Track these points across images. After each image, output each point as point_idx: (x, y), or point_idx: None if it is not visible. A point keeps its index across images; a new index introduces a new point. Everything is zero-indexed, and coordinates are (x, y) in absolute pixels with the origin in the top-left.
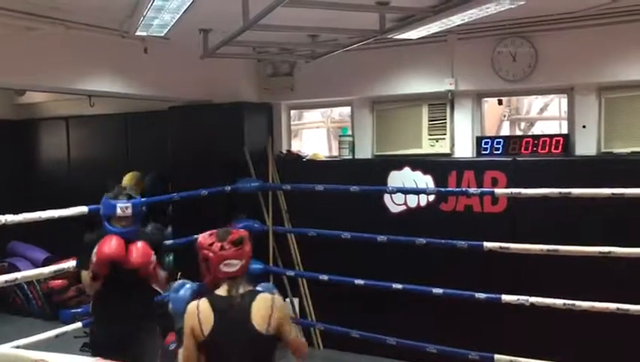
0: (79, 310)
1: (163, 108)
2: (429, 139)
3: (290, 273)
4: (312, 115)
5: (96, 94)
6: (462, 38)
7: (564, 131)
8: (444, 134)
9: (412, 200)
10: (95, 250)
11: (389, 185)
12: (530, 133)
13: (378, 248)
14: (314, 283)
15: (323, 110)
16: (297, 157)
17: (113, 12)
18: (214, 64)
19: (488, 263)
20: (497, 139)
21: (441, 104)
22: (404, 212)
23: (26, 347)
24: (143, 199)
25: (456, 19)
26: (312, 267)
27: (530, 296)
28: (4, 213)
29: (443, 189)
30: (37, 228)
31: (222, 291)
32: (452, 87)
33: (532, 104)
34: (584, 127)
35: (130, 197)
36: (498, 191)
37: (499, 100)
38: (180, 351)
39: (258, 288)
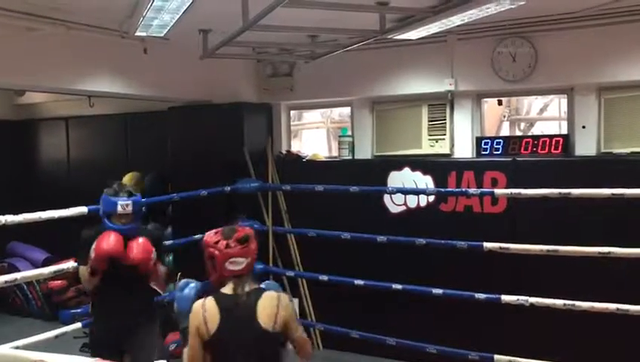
0: (79, 310)
1: (163, 109)
2: (429, 140)
3: (290, 273)
4: (311, 116)
5: (96, 94)
6: (462, 39)
7: (564, 131)
8: (444, 134)
9: (412, 201)
10: (94, 246)
11: (388, 185)
12: (529, 134)
13: (378, 248)
14: (314, 284)
15: (323, 110)
16: (297, 158)
17: (113, 13)
18: (214, 64)
19: (488, 263)
20: (497, 140)
21: (440, 104)
22: (403, 212)
23: (26, 347)
24: (142, 199)
25: (456, 20)
26: (311, 267)
27: (530, 296)
28: (4, 214)
29: (443, 190)
30: (37, 228)
31: (227, 289)
32: (452, 88)
33: (532, 104)
34: (584, 127)
35: (130, 195)
36: (498, 191)
37: (499, 101)
38: (185, 350)
39: (262, 286)
